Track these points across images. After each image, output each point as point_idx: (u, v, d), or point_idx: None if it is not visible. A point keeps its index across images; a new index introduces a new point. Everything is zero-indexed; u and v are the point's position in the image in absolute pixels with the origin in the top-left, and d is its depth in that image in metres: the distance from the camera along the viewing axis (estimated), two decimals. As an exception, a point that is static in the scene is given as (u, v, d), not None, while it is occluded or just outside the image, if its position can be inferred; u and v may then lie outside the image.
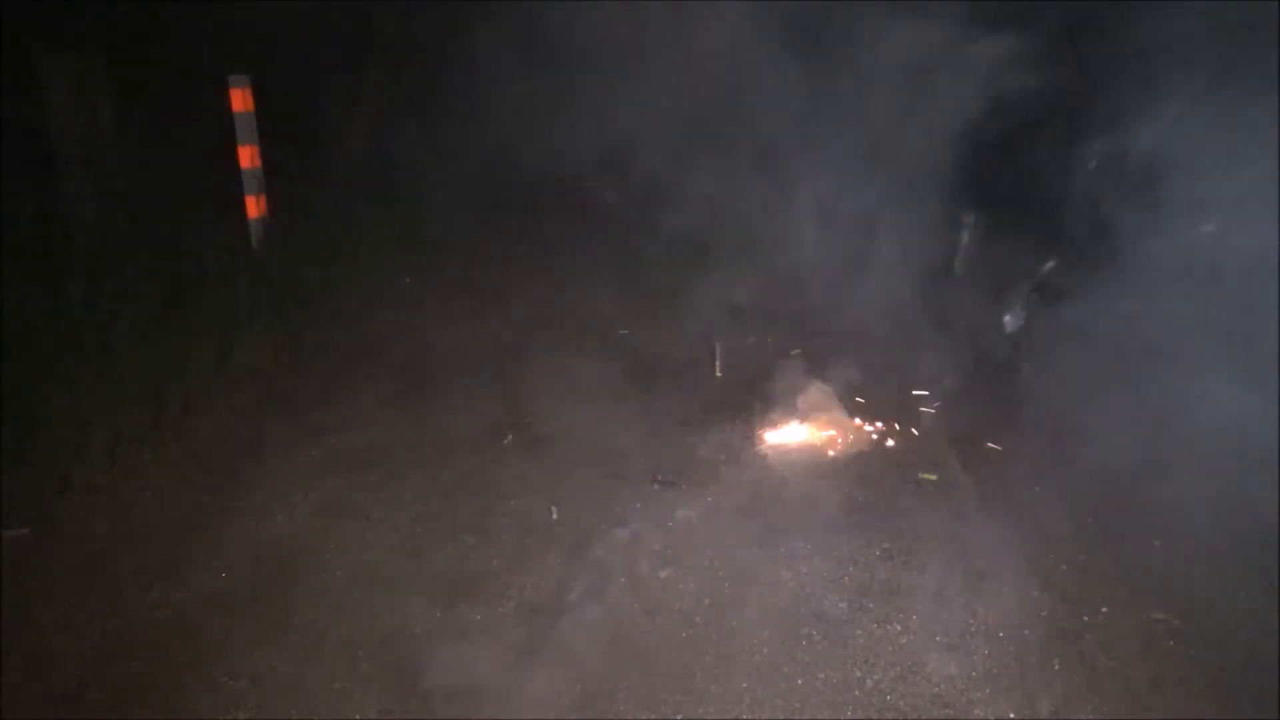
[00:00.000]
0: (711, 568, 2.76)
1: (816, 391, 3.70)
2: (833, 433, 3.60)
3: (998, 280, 4.21)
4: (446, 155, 6.00)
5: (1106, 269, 3.33)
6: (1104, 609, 2.54)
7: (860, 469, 3.38)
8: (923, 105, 3.99)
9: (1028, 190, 4.03)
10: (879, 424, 3.68)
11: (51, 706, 2.27)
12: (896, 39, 3.84)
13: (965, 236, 4.42)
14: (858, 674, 2.31)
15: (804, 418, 3.64)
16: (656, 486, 3.23)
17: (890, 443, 3.56)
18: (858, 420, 3.69)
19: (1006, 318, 4.09)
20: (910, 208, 4.12)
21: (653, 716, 2.19)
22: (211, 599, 2.67)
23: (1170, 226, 3.16)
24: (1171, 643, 2.41)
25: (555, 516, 3.06)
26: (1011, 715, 2.18)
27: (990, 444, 3.49)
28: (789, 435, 3.60)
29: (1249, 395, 2.73)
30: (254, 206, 5.25)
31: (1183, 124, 3.15)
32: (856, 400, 3.78)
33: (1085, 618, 2.51)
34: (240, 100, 5.16)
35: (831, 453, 3.49)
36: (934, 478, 3.28)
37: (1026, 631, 2.45)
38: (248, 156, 5.19)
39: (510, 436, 3.67)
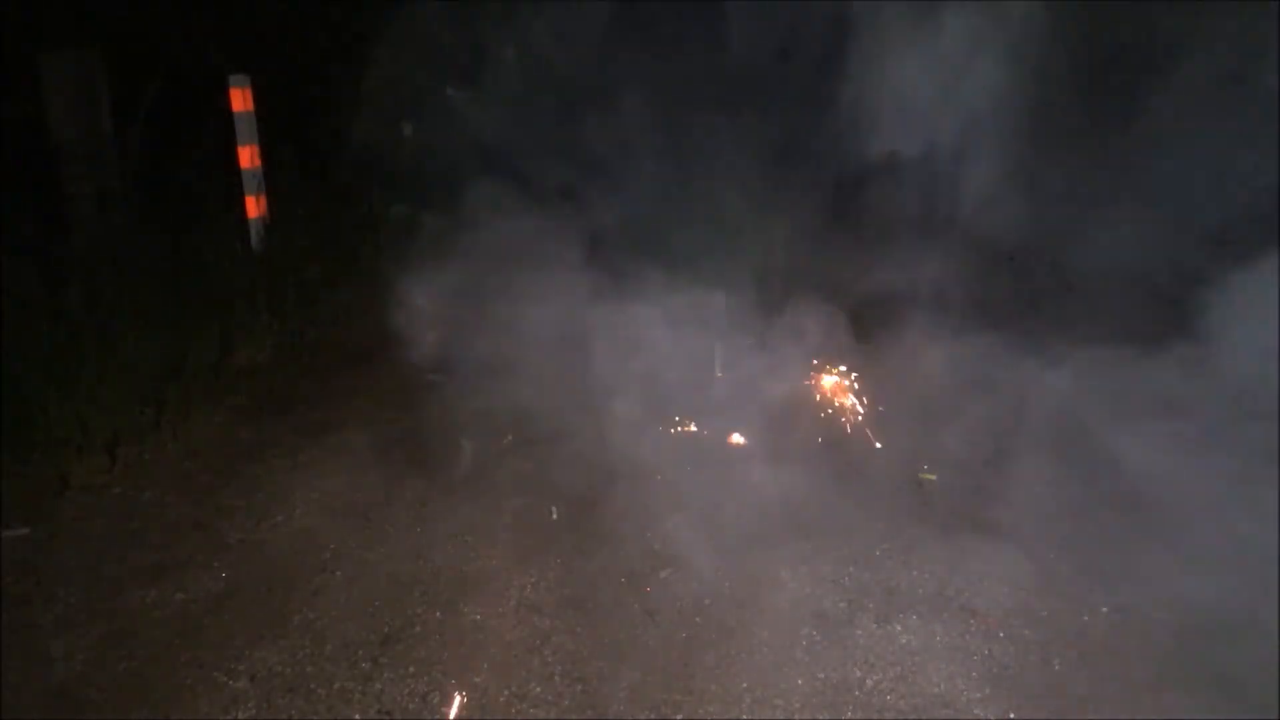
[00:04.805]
0: (711, 567, 2.75)
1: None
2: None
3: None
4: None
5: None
6: (1104, 609, 2.54)
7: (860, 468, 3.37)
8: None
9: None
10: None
11: (51, 706, 2.27)
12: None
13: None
14: (858, 674, 2.31)
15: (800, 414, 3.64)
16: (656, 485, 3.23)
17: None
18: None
19: None
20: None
21: (653, 716, 2.19)
22: (211, 599, 2.67)
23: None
24: (1171, 643, 2.41)
25: (555, 517, 3.06)
26: (1012, 715, 2.18)
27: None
28: (781, 434, 3.59)
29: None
30: (254, 206, 5.25)
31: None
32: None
33: (1085, 617, 2.51)
34: (240, 100, 5.16)
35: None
36: (933, 477, 3.28)
37: (1026, 631, 2.46)
38: (248, 156, 5.19)
39: (510, 436, 3.67)
